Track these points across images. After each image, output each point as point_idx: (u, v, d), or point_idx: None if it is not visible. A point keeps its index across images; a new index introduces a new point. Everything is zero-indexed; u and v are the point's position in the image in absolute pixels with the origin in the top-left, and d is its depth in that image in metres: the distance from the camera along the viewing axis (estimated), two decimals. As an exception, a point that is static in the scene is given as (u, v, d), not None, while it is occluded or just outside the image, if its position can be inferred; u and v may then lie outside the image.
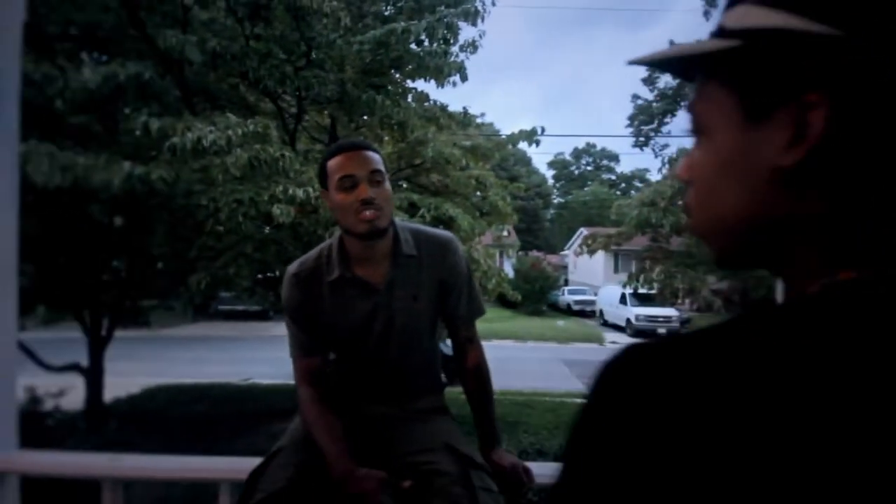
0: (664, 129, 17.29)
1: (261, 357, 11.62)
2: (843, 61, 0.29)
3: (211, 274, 4.60)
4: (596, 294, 19.76)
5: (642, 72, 16.84)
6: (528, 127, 5.03)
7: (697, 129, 0.36)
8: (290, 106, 5.25)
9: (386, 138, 5.68)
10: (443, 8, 4.60)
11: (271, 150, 3.33)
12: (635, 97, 18.43)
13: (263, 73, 4.01)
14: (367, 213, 0.99)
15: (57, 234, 4.88)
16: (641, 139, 18.26)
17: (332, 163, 1.03)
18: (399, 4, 5.26)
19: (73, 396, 5.70)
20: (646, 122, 17.84)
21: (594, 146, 40.22)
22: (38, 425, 3.30)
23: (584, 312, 20.01)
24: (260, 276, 5.23)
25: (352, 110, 4.83)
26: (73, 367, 5.72)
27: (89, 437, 3.57)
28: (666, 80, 15.72)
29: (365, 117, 5.13)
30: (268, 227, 3.96)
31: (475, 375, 1.17)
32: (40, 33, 3.73)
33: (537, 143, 5.03)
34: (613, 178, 39.70)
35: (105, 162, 3.16)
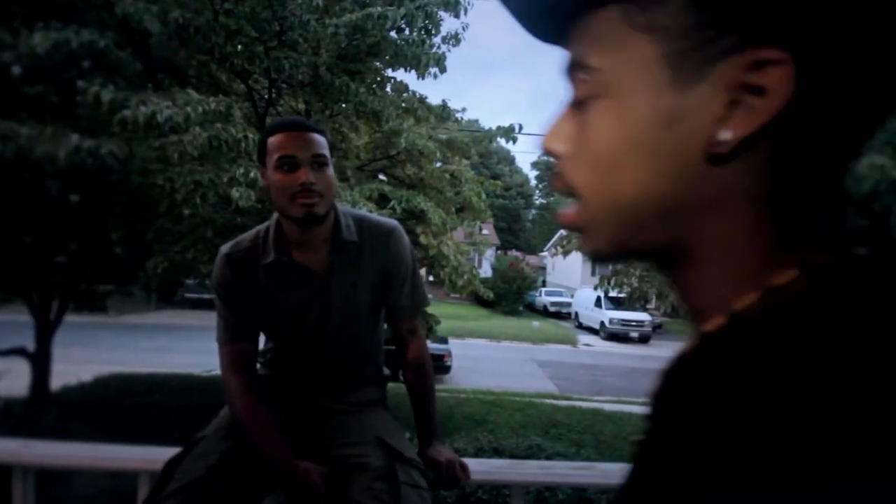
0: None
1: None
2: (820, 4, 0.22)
3: (169, 259, 4.39)
4: (572, 296, 19.99)
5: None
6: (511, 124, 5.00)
7: (595, 88, 0.27)
8: (262, 88, 5.06)
9: (362, 127, 5.55)
10: (423, -4, 4.49)
11: (233, 130, 3.17)
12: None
13: (231, 51, 3.84)
14: (305, 198, 0.94)
15: (5, 210, 4.59)
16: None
17: (273, 140, 0.98)
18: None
19: (16, 382, 5.41)
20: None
21: (578, 149, 40.74)
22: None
23: (560, 314, 20.22)
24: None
25: (325, 96, 4.67)
26: (18, 352, 5.45)
27: (26, 424, 3.37)
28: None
29: (341, 104, 4.99)
30: (232, 212, 3.79)
31: (415, 369, 1.13)
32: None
33: (514, 140, 4.98)
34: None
35: (51, 133, 2.95)
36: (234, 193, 3.05)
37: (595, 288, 12.67)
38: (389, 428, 1.08)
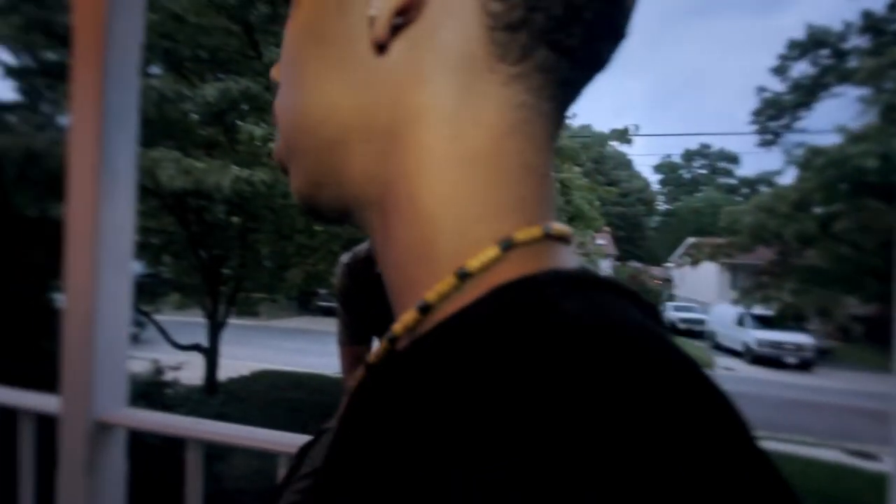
0: (797, 124, 14.91)
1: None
2: None
3: (305, 270, 5.00)
4: (707, 312, 17.70)
5: (771, 61, 14.72)
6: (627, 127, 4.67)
7: None
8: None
9: None
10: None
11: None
12: (761, 90, 16.22)
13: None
14: None
15: (188, 232, 5.72)
16: (768, 137, 15.97)
17: None
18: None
19: (193, 373, 6.60)
20: (773, 117, 15.55)
21: (709, 147, 36.34)
22: (159, 393, 3.91)
23: (693, 332, 18.02)
24: None
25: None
26: (196, 347, 6.68)
27: (199, 409, 4.11)
28: (801, 69, 13.57)
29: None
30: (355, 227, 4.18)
31: None
32: (176, 57, 4.42)
33: (629, 142, 4.65)
34: (733, 181, 35.37)
35: (219, 167, 3.58)
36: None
37: (735, 303, 11.01)
38: None
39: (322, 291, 15.73)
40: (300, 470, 1.15)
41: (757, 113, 15.94)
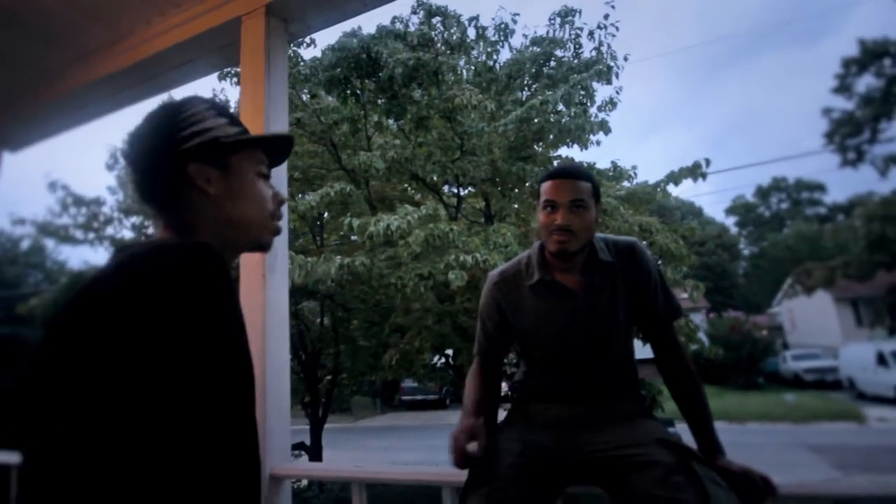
0: (881, 136, 13.76)
1: (442, 445, 11.87)
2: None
3: (400, 350, 5.14)
4: (835, 357, 15.25)
5: (830, 82, 14.16)
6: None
7: None
8: (448, 197, 6.01)
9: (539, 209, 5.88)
10: (575, 75, 4.89)
11: (442, 226, 3.80)
12: (827, 111, 15.45)
13: (428, 169, 4.76)
14: (560, 237, 1.08)
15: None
16: (852, 155, 14.78)
17: (543, 186, 1.16)
18: (535, 86, 5.80)
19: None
20: (851, 134, 14.56)
21: (784, 180, 34.06)
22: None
23: (824, 383, 15.43)
24: (438, 355, 5.65)
25: (503, 185, 5.24)
26: (300, 447, 6.88)
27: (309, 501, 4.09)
28: (868, 83, 12.92)
29: (515, 190, 5.49)
30: (445, 301, 4.35)
31: (683, 377, 1.09)
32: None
33: (703, 176, 4.57)
34: (822, 210, 32.30)
35: (323, 259, 4.02)
36: (451, 276, 3.53)
37: (870, 340, 9.43)
38: (666, 433, 1.02)
39: (406, 385, 15.70)
40: (476, 483, 1.11)
41: (829, 135, 15.05)
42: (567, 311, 1.11)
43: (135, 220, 8.69)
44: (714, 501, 0.85)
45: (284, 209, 1.55)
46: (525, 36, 6.69)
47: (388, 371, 5.44)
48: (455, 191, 5.53)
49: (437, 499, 1.24)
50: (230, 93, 6.21)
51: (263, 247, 0.74)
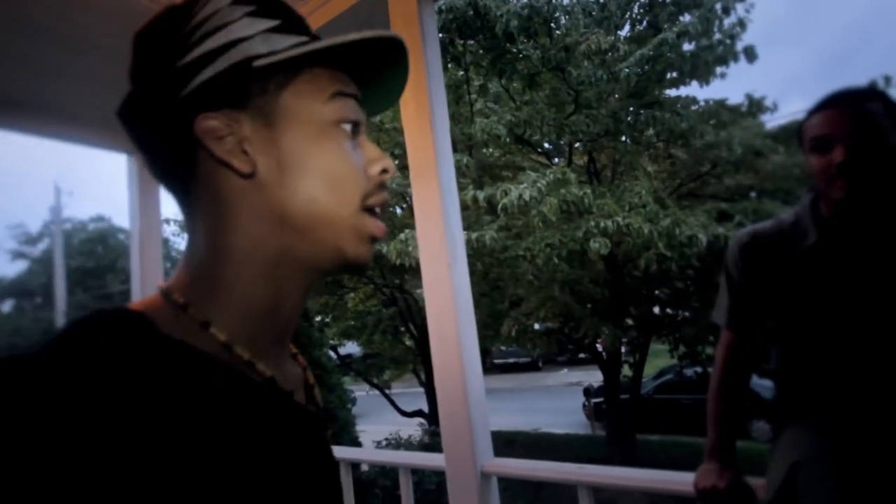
0: None
1: (539, 407, 11.99)
2: None
3: (517, 321, 5.04)
4: None
5: None
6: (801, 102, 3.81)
7: None
8: (552, 158, 5.63)
9: (645, 159, 5.33)
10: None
11: (574, 190, 3.51)
12: None
13: (545, 131, 4.43)
14: (842, 181, 0.82)
15: (397, 309, 6.33)
16: None
17: (808, 123, 0.91)
18: (645, 18, 5.12)
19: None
20: None
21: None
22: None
23: None
24: (563, 327, 5.47)
25: (616, 138, 4.78)
26: (419, 413, 7.21)
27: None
28: None
29: (627, 140, 4.99)
30: (576, 267, 4.11)
31: None
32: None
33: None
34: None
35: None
36: (593, 245, 3.27)
37: None
38: None
39: (500, 349, 15.93)
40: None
41: None
42: (860, 282, 0.84)
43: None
44: None
45: (453, 193, 1.40)
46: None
47: (507, 341, 5.38)
48: (566, 150, 5.13)
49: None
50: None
51: (352, 266, 0.37)
